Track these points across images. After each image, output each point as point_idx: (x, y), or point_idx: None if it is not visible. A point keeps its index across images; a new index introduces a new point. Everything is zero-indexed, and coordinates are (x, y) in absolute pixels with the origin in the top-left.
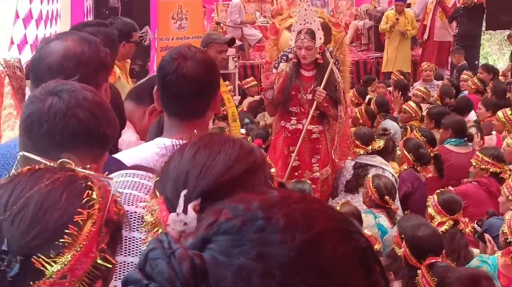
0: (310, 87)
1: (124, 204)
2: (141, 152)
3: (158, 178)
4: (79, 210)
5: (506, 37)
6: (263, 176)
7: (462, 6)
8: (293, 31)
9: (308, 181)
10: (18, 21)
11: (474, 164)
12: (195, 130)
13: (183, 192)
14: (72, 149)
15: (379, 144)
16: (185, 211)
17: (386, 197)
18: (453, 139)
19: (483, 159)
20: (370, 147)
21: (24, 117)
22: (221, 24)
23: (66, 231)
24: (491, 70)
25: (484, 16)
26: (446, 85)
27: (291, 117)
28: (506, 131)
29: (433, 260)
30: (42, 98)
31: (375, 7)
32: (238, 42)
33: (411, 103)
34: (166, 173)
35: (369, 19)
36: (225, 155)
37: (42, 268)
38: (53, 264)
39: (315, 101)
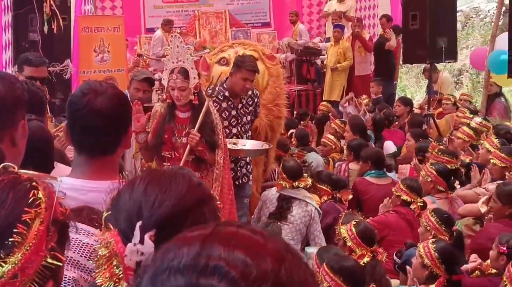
0: (185, 130)
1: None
2: None
3: (108, 213)
4: (26, 209)
5: (422, 71)
6: (212, 208)
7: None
8: (165, 69)
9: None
10: None
11: (393, 190)
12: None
13: (139, 223)
14: None
15: (307, 182)
16: (141, 241)
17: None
18: (372, 171)
19: (399, 186)
20: (297, 183)
21: None
22: (144, 57)
23: (14, 230)
24: (408, 103)
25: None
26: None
27: (164, 163)
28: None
29: None
30: None
31: (297, 41)
32: (161, 75)
33: (329, 136)
34: (116, 207)
35: (291, 53)
36: (176, 186)
37: None
38: (3, 264)
39: (189, 145)
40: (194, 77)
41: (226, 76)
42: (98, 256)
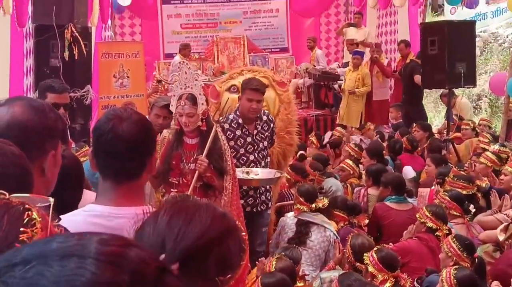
0: (193, 156)
1: None
2: (70, 220)
3: None
4: (22, 229)
5: (440, 96)
6: (237, 239)
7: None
8: (174, 95)
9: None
10: None
11: (417, 216)
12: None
13: (162, 256)
14: None
15: (324, 202)
16: None
17: None
18: (393, 197)
19: (424, 212)
20: (314, 205)
21: None
22: (163, 82)
23: None
24: (427, 128)
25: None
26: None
27: (171, 190)
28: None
29: None
30: None
31: (314, 66)
32: None
33: (348, 161)
34: (140, 239)
35: (309, 78)
36: (200, 219)
37: None
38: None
39: (197, 171)
40: (202, 103)
41: (239, 104)
42: None
